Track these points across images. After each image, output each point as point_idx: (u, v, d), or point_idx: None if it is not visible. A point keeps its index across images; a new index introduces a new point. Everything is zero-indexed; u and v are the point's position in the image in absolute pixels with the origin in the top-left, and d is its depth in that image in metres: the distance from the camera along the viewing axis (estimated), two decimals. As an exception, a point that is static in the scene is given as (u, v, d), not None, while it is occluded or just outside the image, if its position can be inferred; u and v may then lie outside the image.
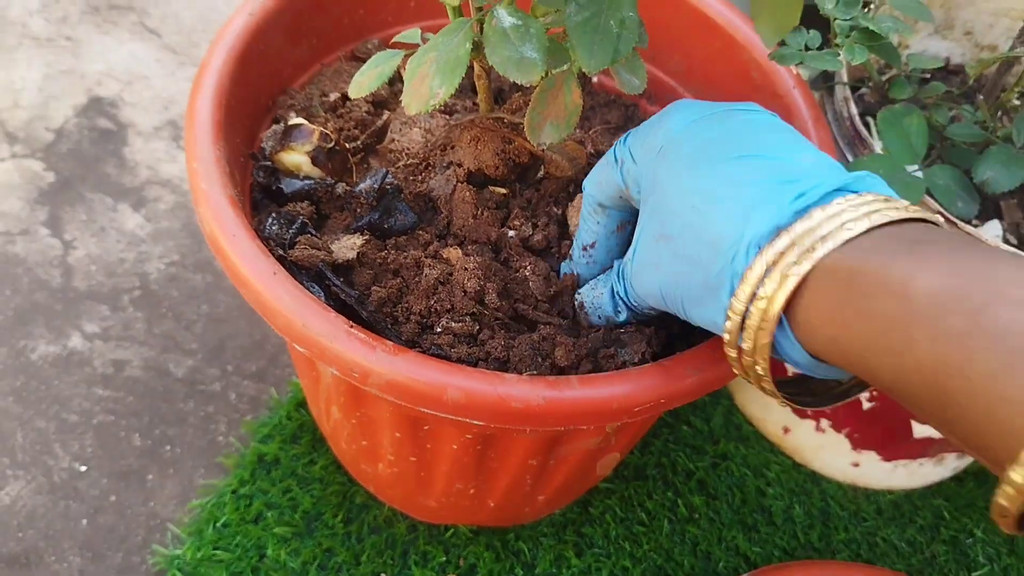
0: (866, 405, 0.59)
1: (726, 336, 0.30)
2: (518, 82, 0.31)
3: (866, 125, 0.51)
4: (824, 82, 0.50)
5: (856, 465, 0.63)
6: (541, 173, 0.45)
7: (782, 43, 0.44)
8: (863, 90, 0.53)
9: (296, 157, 0.43)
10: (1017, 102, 0.48)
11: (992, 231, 0.48)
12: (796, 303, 0.27)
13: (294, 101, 0.47)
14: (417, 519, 0.58)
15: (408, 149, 0.45)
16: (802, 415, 0.64)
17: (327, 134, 0.43)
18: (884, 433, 0.61)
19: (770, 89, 0.46)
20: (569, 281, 0.40)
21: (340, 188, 0.42)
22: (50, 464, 0.59)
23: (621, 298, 0.37)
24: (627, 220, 0.38)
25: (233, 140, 0.41)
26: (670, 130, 0.33)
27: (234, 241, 0.35)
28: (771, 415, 0.65)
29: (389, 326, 0.38)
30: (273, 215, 0.40)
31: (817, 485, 0.64)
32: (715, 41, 0.49)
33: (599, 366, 0.37)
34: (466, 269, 0.38)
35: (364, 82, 0.37)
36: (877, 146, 0.46)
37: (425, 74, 0.32)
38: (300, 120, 0.44)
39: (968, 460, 0.66)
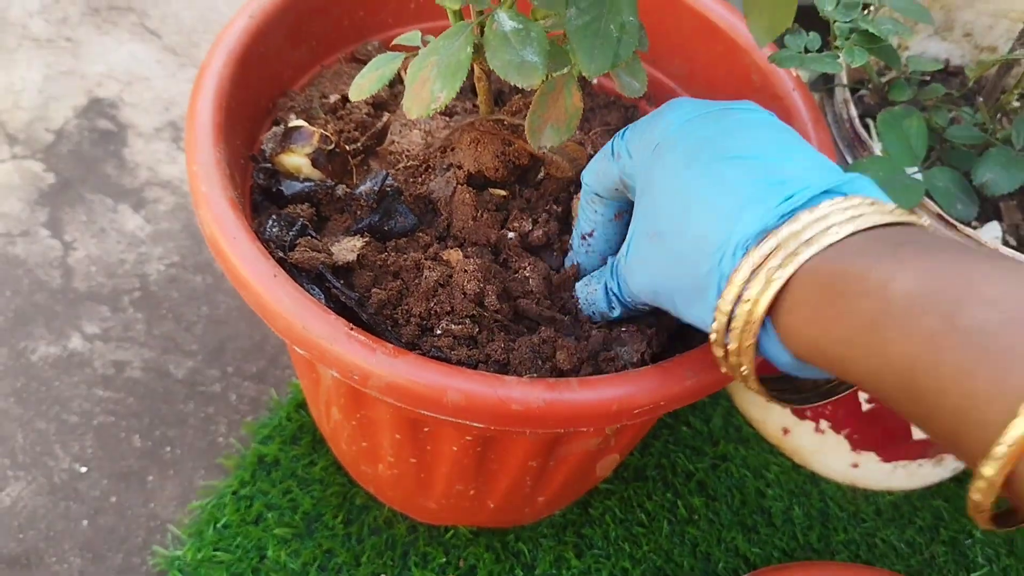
0: (865, 406, 0.59)
1: (713, 336, 0.30)
2: (518, 85, 0.32)
3: (866, 127, 0.51)
4: (824, 84, 0.50)
5: (855, 466, 0.64)
6: (541, 175, 0.45)
7: (782, 45, 0.44)
8: (862, 92, 0.53)
9: (296, 159, 0.43)
10: (1017, 104, 0.49)
11: (991, 233, 0.48)
12: (779, 306, 0.28)
13: (294, 103, 0.47)
14: (417, 520, 0.58)
15: (408, 151, 0.45)
16: (801, 416, 0.64)
17: (327, 136, 0.43)
18: (883, 434, 0.61)
19: (770, 91, 0.46)
20: (571, 272, 0.41)
21: (340, 190, 0.42)
22: (50, 465, 0.59)
23: (615, 294, 0.37)
24: (624, 209, 0.39)
25: (233, 142, 0.41)
26: (666, 128, 0.33)
27: (234, 243, 0.35)
28: (770, 416, 0.65)
29: (389, 328, 0.38)
30: (273, 217, 0.40)
31: (816, 486, 0.65)
32: (715, 44, 0.49)
33: (600, 369, 0.37)
34: (466, 271, 0.39)
35: (365, 85, 0.37)
36: (877, 148, 0.47)
37: (426, 78, 0.32)
38: (300, 122, 0.44)
39: (967, 461, 0.66)
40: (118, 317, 0.67)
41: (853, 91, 0.52)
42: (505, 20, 0.32)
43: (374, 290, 0.38)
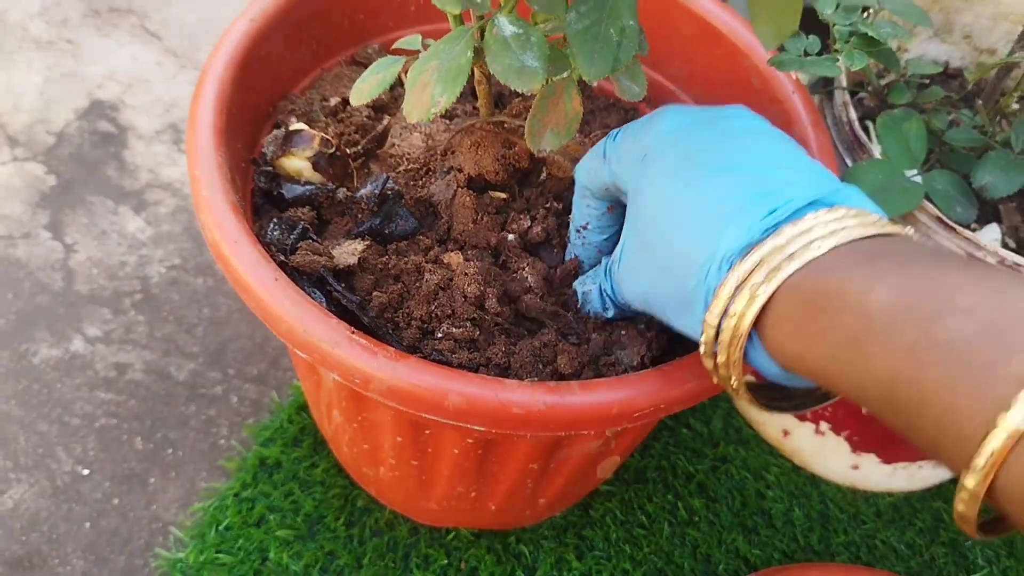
0: (865, 409, 0.59)
1: (702, 348, 0.30)
2: (518, 90, 0.32)
3: (865, 130, 0.51)
4: (823, 87, 0.50)
5: (856, 468, 0.64)
6: (543, 176, 0.45)
7: (781, 48, 0.44)
8: (862, 95, 0.53)
9: (297, 162, 0.43)
10: (1016, 107, 0.49)
11: (991, 235, 0.48)
12: (764, 320, 0.28)
13: (295, 106, 0.47)
14: (418, 522, 0.58)
15: (408, 154, 0.45)
16: (801, 418, 0.64)
17: (328, 139, 0.43)
18: (883, 436, 0.61)
19: (770, 94, 0.46)
20: (572, 266, 0.41)
21: (341, 193, 0.42)
22: (53, 467, 0.59)
23: (608, 296, 0.38)
24: (617, 202, 0.39)
25: (234, 146, 0.41)
26: (654, 137, 0.33)
27: (236, 248, 0.35)
28: (771, 418, 0.65)
29: (390, 332, 0.38)
30: (274, 220, 0.40)
31: (817, 488, 0.65)
32: (715, 47, 0.49)
33: (600, 373, 0.37)
34: (467, 274, 0.39)
35: (365, 89, 0.37)
36: (876, 151, 0.47)
37: (427, 82, 0.32)
38: (301, 125, 0.44)
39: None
40: (119, 319, 0.67)
41: (852, 94, 0.52)
42: (505, 25, 0.32)
43: (375, 293, 0.38)
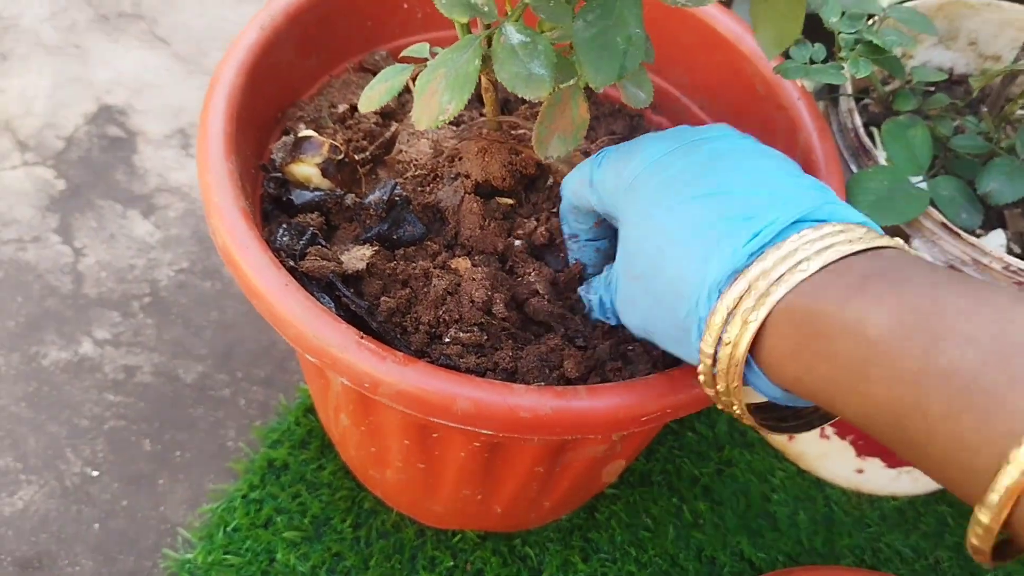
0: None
1: (701, 377, 0.30)
2: (526, 98, 0.32)
3: (870, 136, 0.51)
4: (828, 93, 0.51)
5: (860, 471, 0.64)
6: (550, 182, 0.45)
7: (787, 56, 0.44)
8: (867, 101, 0.53)
9: (306, 169, 0.43)
10: (1021, 113, 0.49)
11: (996, 241, 0.49)
12: (760, 345, 0.28)
13: (303, 113, 0.47)
14: (425, 524, 0.58)
15: (416, 160, 0.45)
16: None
17: (337, 146, 0.44)
18: (888, 440, 0.61)
19: (774, 101, 0.47)
20: (577, 270, 0.41)
21: (349, 199, 0.43)
22: (62, 469, 0.60)
23: (610, 308, 0.38)
24: (603, 219, 0.39)
25: (244, 152, 0.41)
26: (636, 166, 0.33)
27: (246, 253, 0.35)
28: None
29: (398, 336, 0.38)
30: (284, 226, 0.41)
31: (821, 491, 0.65)
32: (720, 54, 0.49)
33: (607, 379, 0.37)
34: (474, 279, 0.39)
35: (374, 96, 0.37)
36: (881, 157, 0.47)
37: (435, 90, 0.33)
38: (310, 132, 0.45)
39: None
40: (128, 322, 0.67)
41: (857, 100, 0.53)
42: (513, 33, 0.32)
43: (383, 298, 0.39)
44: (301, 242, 0.40)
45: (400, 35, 0.52)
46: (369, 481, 0.57)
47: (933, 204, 0.45)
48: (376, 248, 0.41)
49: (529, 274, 0.41)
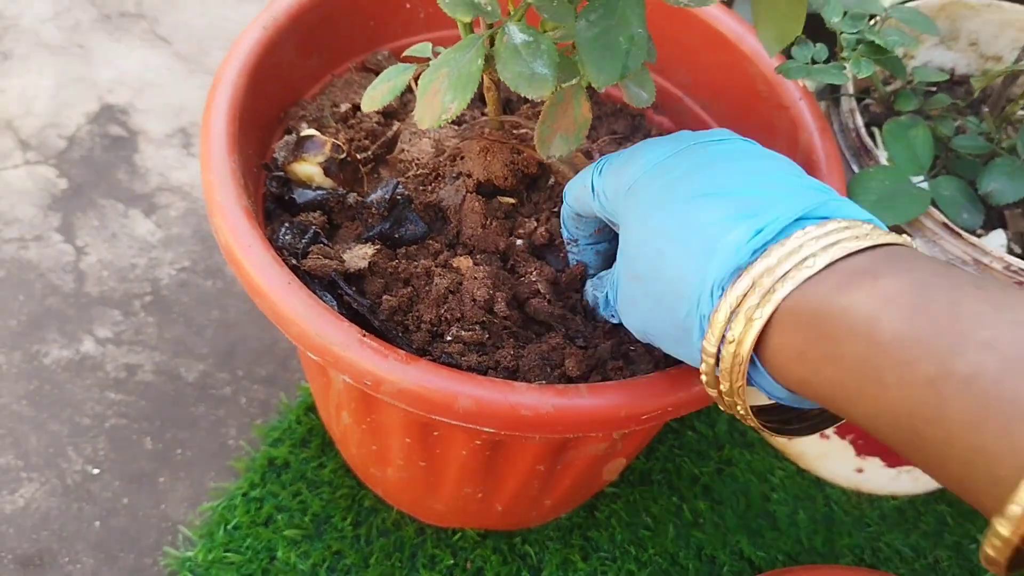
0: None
1: (703, 377, 0.30)
2: (529, 97, 0.32)
3: (872, 136, 0.51)
4: (830, 93, 0.51)
5: (860, 471, 0.64)
6: (551, 181, 0.45)
7: (789, 56, 0.45)
8: (868, 101, 0.54)
9: (308, 168, 0.43)
10: (1022, 113, 0.49)
11: (997, 241, 0.49)
12: (764, 344, 0.27)
13: (306, 112, 0.47)
14: (425, 522, 0.58)
15: (418, 159, 0.45)
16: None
17: (339, 145, 0.44)
18: (888, 440, 0.62)
19: (776, 100, 0.47)
20: (578, 271, 0.41)
21: (351, 198, 0.43)
22: (63, 467, 0.60)
23: (614, 307, 0.38)
24: (604, 224, 0.39)
25: (246, 151, 0.41)
26: (637, 170, 0.33)
27: (249, 252, 0.35)
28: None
29: (400, 335, 0.38)
30: (286, 225, 0.41)
31: (821, 490, 0.65)
32: (723, 53, 0.49)
33: (608, 377, 0.38)
34: (476, 278, 0.39)
35: (377, 96, 0.37)
36: (883, 157, 0.47)
37: (438, 89, 0.33)
38: (312, 131, 0.45)
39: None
40: (130, 321, 0.67)
41: (859, 100, 0.53)
42: (516, 33, 0.32)
43: (385, 297, 0.39)
44: (303, 241, 0.40)
45: (402, 35, 0.52)
46: (370, 479, 0.57)
47: (934, 204, 0.45)
48: (378, 247, 0.41)
49: (530, 273, 0.41)
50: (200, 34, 0.89)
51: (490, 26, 0.33)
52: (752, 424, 0.30)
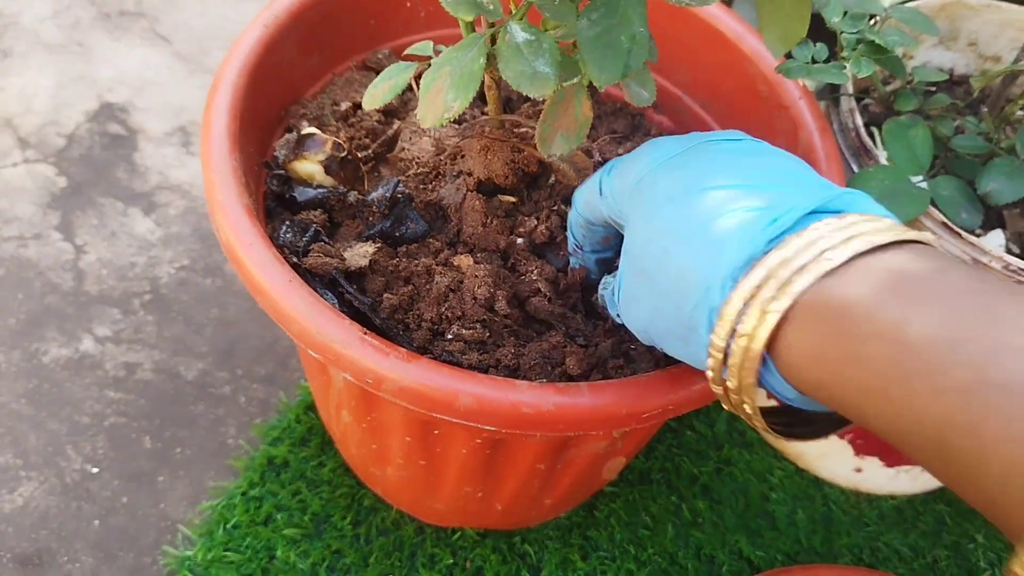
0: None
1: (709, 374, 0.28)
2: (531, 96, 0.32)
3: (871, 136, 0.51)
4: (830, 93, 0.51)
5: (859, 471, 0.64)
6: (552, 180, 0.45)
7: (789, 56, 0.45)
8: (868, 101, 0.54)
9: (309, 166, 0.43)
10: (1021, 114, 0.49)
11: (995, 241, 0.49)
12: (779, 341, 0.25)
13: (306, 110, 0.48)
14: (425, 522, 0.58)
15: (418, 158, 0.45)
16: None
17: (340, 144, 0.44)
18: (887, 439, 0.62)
19: (776, 100, 0.47)
20: (579, 275, 0.41)
21: (352, 197, 0.43)
22: (62, 466, 0.60)
23: (616, 307, 0.38)
24: (613, 233, 0.39)
25: (247, 149, 0.41)
26: (644, 167, 0.33)
27: (250, 250, 0.35)
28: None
29: (401, 333, 0.38)
30: (287, 223, 0.41)
31: (820, 490, 0.65)
32: (723, 53, 0.49)
33: (608, 376, 0.38)
34: (476, 277, 0.39)
35: (378, 94, 0.37)
36: (882, 157, 0.47)
37: (440, 88, 0.33)
38: (313, 130, 0.45)
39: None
40: (129, 319, 0.67)
41: (858, 100, 0.53)
42: (517, 31, 0.33)
43: (386, 295, 0.39)
44: (304, 239, 0.40)
45: (403, 33, 0.52)
46: (370, 479, 0.57)
47: (933, 204, 0.45)
48: (379, 245, 0.41)
49: (531, 272, 0.41)
50: (200, 33, 0.89)
51: (492, 25, 0.33)
52: (758, 425, 0.29)
